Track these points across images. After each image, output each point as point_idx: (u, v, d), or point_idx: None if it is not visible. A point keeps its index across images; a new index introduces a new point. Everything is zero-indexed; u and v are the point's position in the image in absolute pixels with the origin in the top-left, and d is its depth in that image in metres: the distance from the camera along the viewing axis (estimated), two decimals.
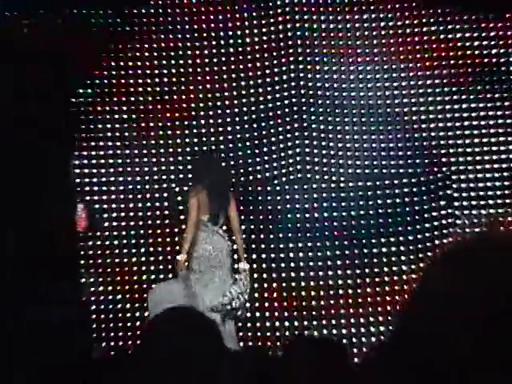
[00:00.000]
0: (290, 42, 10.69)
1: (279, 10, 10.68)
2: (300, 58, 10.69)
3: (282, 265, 9.93)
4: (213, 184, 8.70)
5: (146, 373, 2.50)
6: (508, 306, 1.51)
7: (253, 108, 10.45)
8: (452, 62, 10.52)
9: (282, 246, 10.02)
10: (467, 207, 10.29)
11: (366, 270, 9.92)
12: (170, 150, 10.51)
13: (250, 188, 10.22)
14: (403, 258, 9.93)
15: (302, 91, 10.53)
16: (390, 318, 9.56)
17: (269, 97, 10.56)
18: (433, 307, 1.58)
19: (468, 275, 1.58)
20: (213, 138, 10.50)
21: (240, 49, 10.70)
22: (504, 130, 10.38)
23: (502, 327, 1.48)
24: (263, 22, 10.73)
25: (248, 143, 10.52)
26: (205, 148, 10.44)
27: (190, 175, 9.91)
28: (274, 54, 10.72)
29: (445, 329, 1.53)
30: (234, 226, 8.84)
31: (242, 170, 10.36)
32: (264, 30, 10.74)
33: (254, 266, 10.05)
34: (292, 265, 9.96)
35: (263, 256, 10.09)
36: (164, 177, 10.51)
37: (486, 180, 10.32)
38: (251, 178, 10.41)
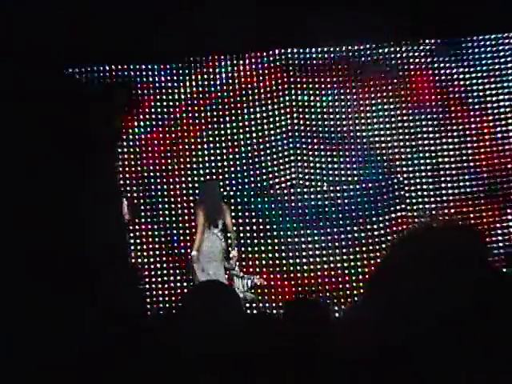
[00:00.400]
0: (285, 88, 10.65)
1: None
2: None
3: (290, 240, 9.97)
4: (211, 202, 9.15)
5: (187, 322, 2.53)
6: (441, 273, 1.53)
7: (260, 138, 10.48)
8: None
9: (289, 233, 10.07)
10: (415, 203, 10.31)
11: (344, 250, 9.94)
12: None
13: (271, 192, 10.28)
14: (375, 239, 9.98)
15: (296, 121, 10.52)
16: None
17: (271, 119, 10.56)
18: (391, 276, 1.61)
19: (416, 252, 1.61)
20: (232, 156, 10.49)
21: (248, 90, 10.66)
22: (440, 147, 10.39)
23: (435, 287, 1.51)
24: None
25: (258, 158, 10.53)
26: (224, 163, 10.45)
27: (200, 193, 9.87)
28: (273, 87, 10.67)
29: (399, 281, 1.56)
30: (229, 227, 9.18)
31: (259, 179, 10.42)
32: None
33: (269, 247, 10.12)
34: (296, 247, 10.01)
35: (275, 240, 10.12)
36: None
37: (429, 183, 10.33)
38: (265, 184, 10.44)
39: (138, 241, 10.28)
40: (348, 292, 9.79)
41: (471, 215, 10.20)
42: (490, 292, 1.52)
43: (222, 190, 9.90)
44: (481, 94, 10.43)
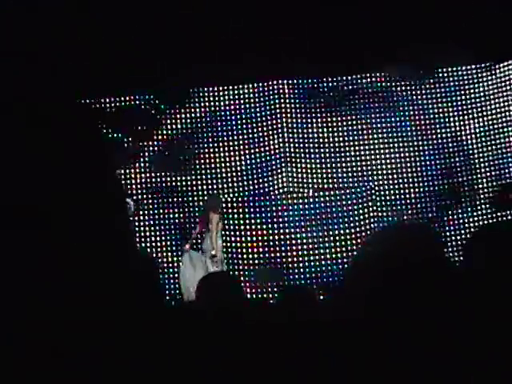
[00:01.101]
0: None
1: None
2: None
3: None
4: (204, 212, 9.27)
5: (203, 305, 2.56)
6: (401, 261, 1.56)
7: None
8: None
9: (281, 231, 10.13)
10: (384, 206, 10.36)
11: (326, 244, 10.01)
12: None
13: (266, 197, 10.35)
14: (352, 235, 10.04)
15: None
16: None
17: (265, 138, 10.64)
18: (365, 261, 1.63)
19: (386, 244, 1.63)
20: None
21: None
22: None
23: (397, 268, 1.54)
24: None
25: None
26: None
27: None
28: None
29: (371, 270, 1.58)
30: (212, 231, 9.03)
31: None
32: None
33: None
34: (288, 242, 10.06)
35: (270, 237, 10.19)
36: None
37: (395, 189, 10.41)
38: (262, 191, 10.51)
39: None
40: (330, 278, 9.81)
41: (430, 216, 10.29)
42: (443, 281, 1.55)
43: (219, 202, 9.64)
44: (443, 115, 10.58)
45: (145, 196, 10.25)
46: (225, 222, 9.66)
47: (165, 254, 10.14)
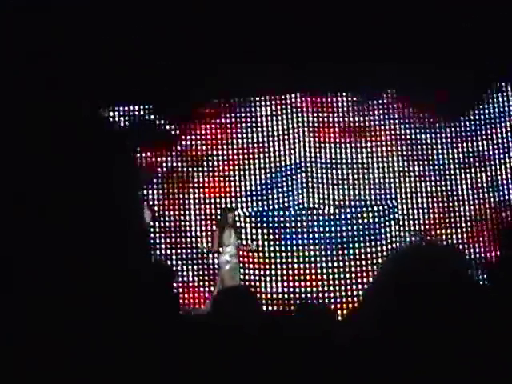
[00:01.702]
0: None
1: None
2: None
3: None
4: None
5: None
6: (416, 279, 1.56)
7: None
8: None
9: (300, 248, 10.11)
10: (405, 225, 10.32)
11: (346, 263, 9.96)
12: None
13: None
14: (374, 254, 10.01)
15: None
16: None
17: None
18: (384, 282, 1.63)
19: (405, 265, 1.63)
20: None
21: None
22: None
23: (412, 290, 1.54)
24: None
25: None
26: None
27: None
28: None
29: (390, 290, 1.59)
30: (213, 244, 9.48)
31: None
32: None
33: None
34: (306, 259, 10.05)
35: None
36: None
37: (418, 208, 10.35)
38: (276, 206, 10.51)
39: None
40: (349, 298, 9.77)
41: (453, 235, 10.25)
42: (468, 300, 1.54)
43: (232, 216, 9.68)
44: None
45: (161, 207, 10.35)
46: (239, 235, 9.65)
47: (179, 266, 10.23)
